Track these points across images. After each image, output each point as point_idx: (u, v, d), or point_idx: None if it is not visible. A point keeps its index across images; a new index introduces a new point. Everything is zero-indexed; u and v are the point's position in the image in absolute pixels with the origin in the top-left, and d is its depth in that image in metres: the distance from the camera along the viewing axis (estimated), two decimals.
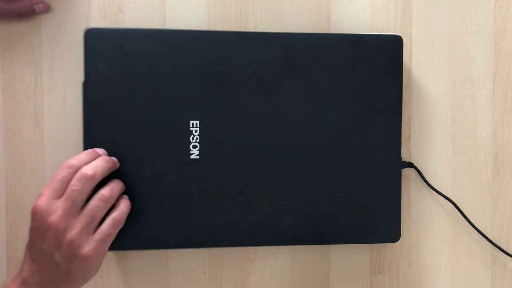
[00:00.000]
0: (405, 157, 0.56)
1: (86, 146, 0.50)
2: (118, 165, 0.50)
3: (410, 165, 0.55)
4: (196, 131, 0.51)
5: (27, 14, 0.54)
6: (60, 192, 0.46)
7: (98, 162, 0.47)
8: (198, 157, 0.51)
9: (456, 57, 0.56)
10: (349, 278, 0.56)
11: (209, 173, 0.51)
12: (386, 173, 0.53)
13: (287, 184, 0.52)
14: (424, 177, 0.55)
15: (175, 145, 0.51)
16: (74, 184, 0.45)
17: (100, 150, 0.50)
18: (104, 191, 0.47)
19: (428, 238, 0.56)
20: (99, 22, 0.55)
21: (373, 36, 0.53)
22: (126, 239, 0.51)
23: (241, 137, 0.52)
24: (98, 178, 0.47)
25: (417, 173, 0.56)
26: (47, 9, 0.54)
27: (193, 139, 0.51)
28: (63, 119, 0.56)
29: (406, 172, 0.56)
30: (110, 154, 0.51)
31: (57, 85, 0.55)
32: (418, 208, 0.56)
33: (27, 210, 0.56)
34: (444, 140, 0.56)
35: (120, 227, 0.48)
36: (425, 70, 0.56)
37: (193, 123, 0.51)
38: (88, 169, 0.46)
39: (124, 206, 0.49)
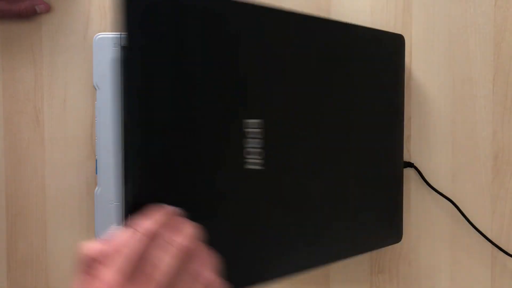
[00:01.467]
0: (405, 157, 0.56)
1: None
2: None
3: (410, 165, 0.55)
4: (254, 133, 0.38)
5: (29, 14, 0.54)
6: (136, 274, 0.29)
7: (190, 229, 0.32)
8: (258, 167, 0.38)
9: (456, 57, 0.56)
10: (349, 278, 0.56)
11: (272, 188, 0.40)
12: (387, 173, 0.53)
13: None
14: (424, 177, 0.55)
15: (227, 152, 0.37)
16: (166, 262, 0.30)
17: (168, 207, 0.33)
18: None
19: (428, 238, 0.56)
20: (99, 22, 0.55)
21: (378, 31, 0.52)
22: None
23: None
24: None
25: (417, 173, 0.56)
26: (48, 9, 0.54)
27: (249, 144, 0.38)
28: (63, 119, 0.56)
29: (406, 172, 0.56)
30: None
31: (57, 85, 0.55)
32: (418, 208, 0.56)
33: (27, 210, 0.56)
34: (444, 140, 0.56)
35: None
36: (425, 70, 0.56)
37: (249, 123, 0.38)
38: (186, 241, 0.31)
39: None
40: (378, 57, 0.52)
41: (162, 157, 0.34)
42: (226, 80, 0.36)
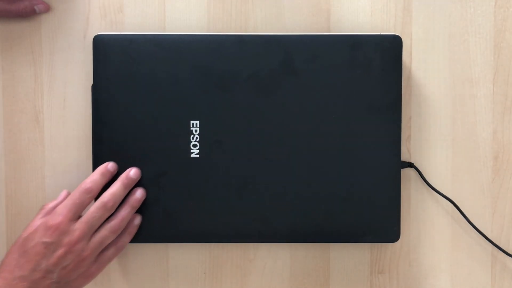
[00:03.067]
0: (405, 157, 0.56)
1: (95, 145, 0.53)
2: (136, 180, 0.52)
3: (410, 165, 0.55)
4: (196, 130, 0.53)
5: (28, 14, 0.54)
6: (76, 215, 0.49)
7: (116, 189, 0.50)
8: (198, 155, 0.52)
9: (456, 57, 0.56)
10: (349, 278, 0.56)
11: (209, 171, 0.53)
12: (385, 173, 0.53)
13: (287, 183, 0.53)
14: (424, 177, 0.55)
15: (176, 144, 0.52)
16: (95, 211, 0.49)
17: (111, 166, 0.52)
18: (115, 223, 0.50)
19: (428, 238, 0.56)
20: (99, 22, 0.55)
21: (372, 36, 0.53)
22: None
23: (240, 137, 0.53)
24: (115, 207, 0.50)
25: (417, 173, 0.56)
26: (47, 9, 0.54)
27: (193, 138, 0.53)
28: (63, 119, 0.56)
29: (406, 172, 0.56)
30: (116, 152, 0.52)
31: (57, 85, 0.55)
32: (418, 208, 0.56)
33: (27, 210, 0.56)
34: (444, 140, 0.56)
35: (120, 252, 0.52)
36: (425, 70, 0.56)
37: (193, 123, 0.52)
38: (108, 199, 0.49)
39: (127, 237, 0.52)
40: (372, 60, 0.53)
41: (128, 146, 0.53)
42: (175, 92, 0.53)
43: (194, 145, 0.52)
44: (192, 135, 0.52)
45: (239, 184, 0.53)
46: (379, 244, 0.56)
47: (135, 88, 0.53)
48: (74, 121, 0.56)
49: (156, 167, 0.53)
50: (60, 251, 0.47)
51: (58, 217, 0.48)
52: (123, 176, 0.51)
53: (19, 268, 0.46)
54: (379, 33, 0.54)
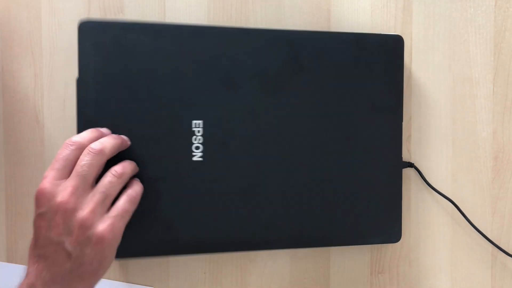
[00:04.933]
0: (405, 157, 0.56)
1: None
2: (129, 143, 0.47)
3: (410, 165, 0.55)
4: (199, 131, 0.48)
5: None
6: (66, 171, 0.42)
7: (106, 138, 0.45)
8: (201, 159, 0.48)
9: (456, 57, 0.56)
10: (349, 278, 0.56)
11: (213, 176, 0.49)
12: (386, 173, 0.53)
13: (290, 186, 0.51)
14: (424, 177, 0.56)
15: (176, 147, 0.48)
16: (83, 159, 0.42)
17: (104, 129, 0.46)
18: (117, 167, 0.44)
19: (428, 238, 0.56)
20: None
21: (376, 35, 0.53)
22: (126, 246, 0.46)
23: (247, 138, 0.50)
24: (108, 153, 0.44)
25: (417, 173, 0.56)
26: None
27: (195, 140, 0.48)
28: (63, 119, 0.56)
29: (406, 172, 0.56)
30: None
31: (57, 85, 0.55)
32: (418, 208, 0.56)
33: (27, 210, 0.56)
34: (444, 140, 0.56)
35: (136, 205, 0.45)
36: (425, 70, 0.56)
37: (195, 123, 0.48)
38: (96, 144, 0.43)
39: (137, 185, 0.46)
40: (374, 59, 0.52)
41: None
42: (175, 88, 0.48)
43: (197, 148, 0.48)
44: (195, 137, 0.48)
45: (246, 190, 0.49)
46: (379, 244, 0.56)
47: (129, 84, 0.47)
48: (74, 121, 0.55)
49: (155, 173, 0.48)
50: (57, 217, 0.41)
51: (43, 180, 0.42)
52: (111, 134, 0.46)
53: (34, 246, 0.41)
54: (381, 33, 0.54)
